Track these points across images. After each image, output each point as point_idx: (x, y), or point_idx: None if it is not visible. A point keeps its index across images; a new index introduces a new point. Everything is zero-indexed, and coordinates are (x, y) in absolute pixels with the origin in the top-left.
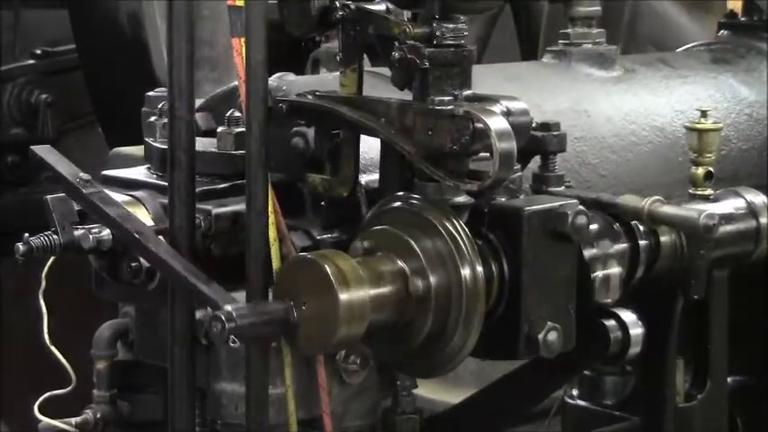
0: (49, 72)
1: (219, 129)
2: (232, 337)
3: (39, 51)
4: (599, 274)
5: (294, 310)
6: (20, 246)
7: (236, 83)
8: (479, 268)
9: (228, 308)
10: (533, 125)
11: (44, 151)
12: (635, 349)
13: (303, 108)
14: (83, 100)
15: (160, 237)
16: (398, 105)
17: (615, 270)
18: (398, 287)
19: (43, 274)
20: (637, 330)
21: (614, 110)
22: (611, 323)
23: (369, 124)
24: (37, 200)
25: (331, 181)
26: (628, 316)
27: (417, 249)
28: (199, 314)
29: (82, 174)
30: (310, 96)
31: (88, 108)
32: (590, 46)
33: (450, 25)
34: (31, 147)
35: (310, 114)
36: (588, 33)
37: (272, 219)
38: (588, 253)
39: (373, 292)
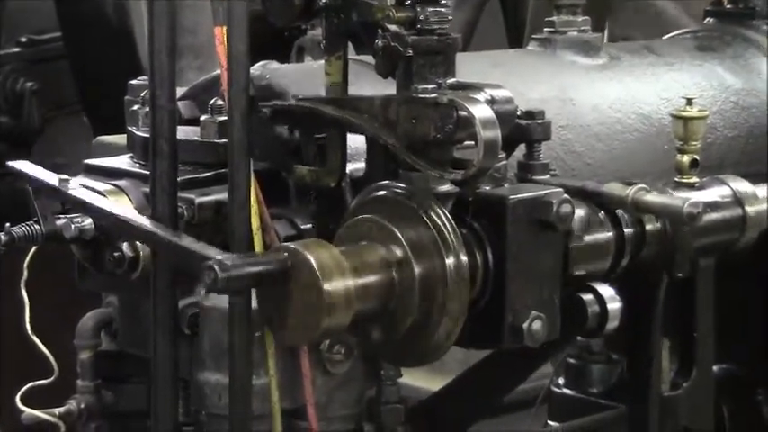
0: (34, 60)
1: (203, 117)
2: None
3: (24, 39)
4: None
5: (285, 259)
6: (1, 236)
7: (219, 71)
8: (464, 257)
9: (221, 257)
10: (518, 113)
11: (21, 165)
12: (613, 323)
13: (287, 111)
14: (68, 88)
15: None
16: (381, 100)
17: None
18: (383, 277)
19: (25, 264)
20: (614, 304)
21: (600, 98)
22: (588, 297)
23: (353, 121)
24: (23, 189)
25: (318, 172)
26: (605, 290)
27: (402, 239)
28: (182, 303)
29: (60, 176)
30: (293, 101)
31: (74, 96)
32: (575, 33)
33: (434, 9)
34: (8, 163)
35: (294, 117)
36: (573, 21)
37: (255, 208)
38: None
39: (357, 281)
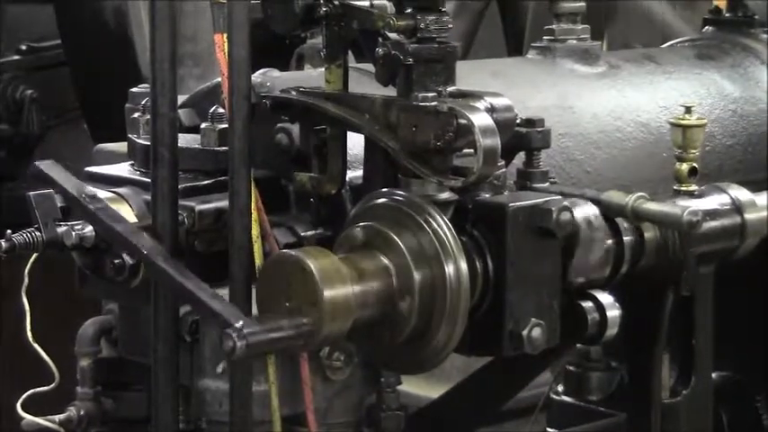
0: (34, 68)
1: (203, 125)
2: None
3: (24, 47)
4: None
5: (306, 325)
6: (2, 242)
7: (220, 79)
8: (463, 265)
9: (240, 325)
10: (518, 121)
11: (47, 167)
12: (612, 331)
13: (287, 104)
14: (68, 95)
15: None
16: (382, 102)
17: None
18: (383, 284)
19: (26, 271)
20: (614, 312)
21: (599, 106)
22: (588, 305)
23: (353, 120)
24: (24, 196)
25: (319, 179)
26: (605, 298)
27: (402, 246)
28: (182, 311)
29: (87, 189)
30: (294, 92)
31: (74, 104)
32: (574, 42)
33: (434, 17)
34: (35, 162)
35: (294, 110)
36: (573, 29)
37: (255, 215)
38: None
39: (357, 289)
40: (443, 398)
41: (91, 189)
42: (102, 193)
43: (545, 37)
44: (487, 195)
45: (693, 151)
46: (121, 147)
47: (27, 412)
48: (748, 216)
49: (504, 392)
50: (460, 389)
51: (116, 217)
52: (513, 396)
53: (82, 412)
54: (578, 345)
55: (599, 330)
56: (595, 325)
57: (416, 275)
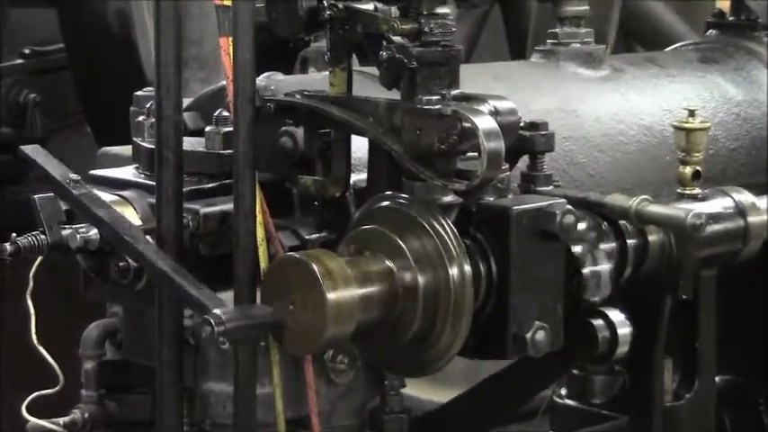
0: (37, 71)
1: (208, 128)
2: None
3: (27, 51)
4: (588, 270)
5: (282, 311)
6: (7, 246)
7: (224, 82)
8: (467, 268)
9: (218, 311)
10: (521, 124)
11: (33, 151)
12: (623, 349)
13: (291, 107)
14: (71, 99)
15: (148, 237)
16: (386, 105)
17: (605, 267)
18: (386, 287)
19: (31, 275)
20: (624, 330)
21: (602, 109)
22: (599, 323)
23: (357, 124)
24: (27, 199)
25: (323, 182)
26: (616, 315)
27: (405, 249)
28: (187, 314)
29: (71, 174)
30: (298, 96)
31: (77, 107)
32: (578, 45)
33: (438, 20)
34: (20, 147)
35: (298, 114)
36: (576, 33)
37: (259, 218)
38: (577, 249)
39: (361, 291)
40: (450, 403)
41: (74, 174)
42: (107, 196)
43: (548, 40)
44: (491, 198)
45: (697, 154)
46: (126, 150)
47: (32, 415)
48: (751, 219)
49: (510, 403)
50: (467, 396)
51: (98, 201)
52: (519, 406)
53: (86, 415)
54: None
55: (609, 348)
56: (606, 343)
57: (420, 278)
